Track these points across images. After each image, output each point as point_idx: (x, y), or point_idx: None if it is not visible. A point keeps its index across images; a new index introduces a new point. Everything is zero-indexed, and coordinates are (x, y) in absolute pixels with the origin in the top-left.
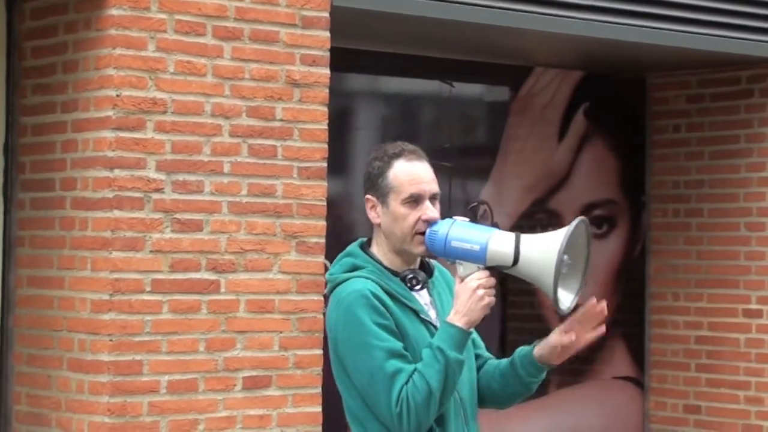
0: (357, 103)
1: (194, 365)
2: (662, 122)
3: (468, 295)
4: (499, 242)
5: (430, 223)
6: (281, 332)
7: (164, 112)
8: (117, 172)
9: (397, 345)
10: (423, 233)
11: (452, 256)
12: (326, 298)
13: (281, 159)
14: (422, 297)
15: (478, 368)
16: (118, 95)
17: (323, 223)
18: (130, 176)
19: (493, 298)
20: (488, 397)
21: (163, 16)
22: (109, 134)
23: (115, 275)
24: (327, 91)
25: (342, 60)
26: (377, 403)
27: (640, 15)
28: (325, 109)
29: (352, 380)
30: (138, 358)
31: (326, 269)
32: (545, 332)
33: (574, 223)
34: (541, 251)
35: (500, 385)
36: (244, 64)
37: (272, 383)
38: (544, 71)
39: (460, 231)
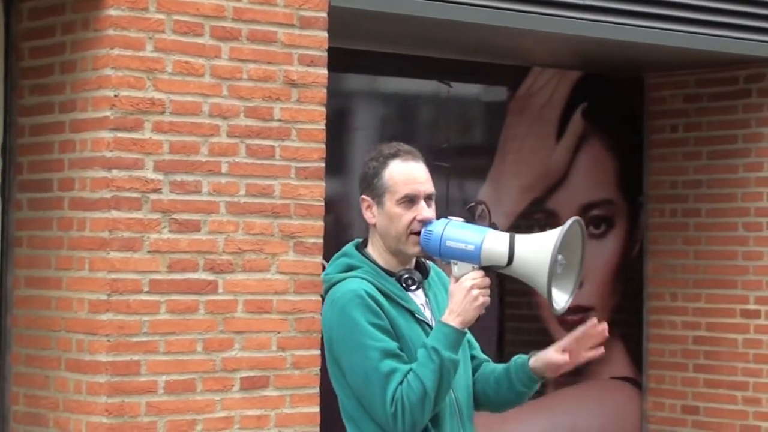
0: (355, 103)
1: (192, 365)
2: (660, 122)
3: (462, 295)
4: (494, 242)
5: (425, 223)
6: (279, 332)
7: (162, 113)
8: (115, 172)
9: (392, 345)
10: (418, 233)
11: (447, 256)
12: (323, 298)
13: (279, 159)
14: (418, 297)
15: (474, 370)
16: (116, 95)
17: (321, 223)
18: (127, 176)
19: (487, 298)
20: (483, 402)
21: (161, 16)
22: (107, 134)
23: (113, 275)
24: (325, 91)
25: (340, 60)
26: (372, 403)
27: (638, 15)
28: (323, 109)
29: (348, 380)
30: (136, 358)
31: (324, 269)
32: (543, 332)
33: (568, 222)
34: (536, 251)
35: (494, 390)
36: (242, 64)
37: (270, 383)
38: (542, 71)
39: (454, 231)
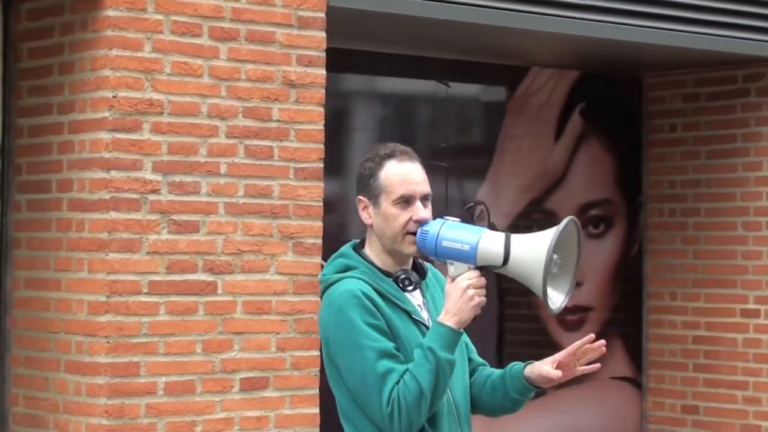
0: (353, 103)
1: (191, 367)
2: (658, 122)
3: (458, 295)
4: (490, 242)
5: (421, 223)
6: (278, 333)
7: (161, 113)
8: (113, 173)
9: (389, 345)
10: (414, 233)
11: (443, 256)
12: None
13: (278, 160)
14: (415, 298)
15: (470, 373)
16: (114, 96)
17: (320, 223)
18: (126, 177)
19: (483, 298)
20: (478, 406)
21: (159, 17)
22: (105, 135)
23: (112, 277)
24: (323, 91)
25: (338, 60)
26: (368, 403)
27: (636, 15)
28: (322, 109)
29: (344, 380)
30: (135, 359)
31: None
32: (542, 332)
33: (563, 222)
34: (531, 251)
35: (489, 396)
36: (240, 64)
37: (269, 384)
38: (541, 71)
39: (450, 231)
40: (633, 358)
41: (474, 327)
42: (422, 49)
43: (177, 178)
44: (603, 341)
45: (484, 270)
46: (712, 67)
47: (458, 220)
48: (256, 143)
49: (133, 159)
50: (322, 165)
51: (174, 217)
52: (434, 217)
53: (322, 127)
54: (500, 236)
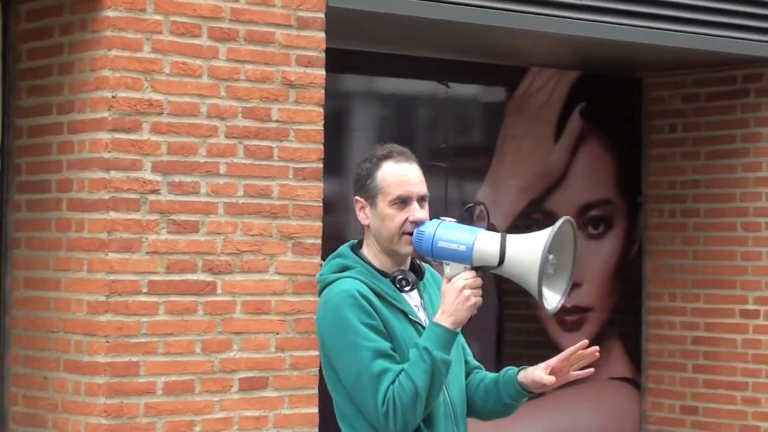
0: (353, 104)
1: (191, 366)
2: (658, 122)
3: (454, 295)
4: (485, 242)
5: (417, 224)
6: (278, 333)
7: (160, 114)
8: (113, 173)
9: (385, 345)
10: (410, 234)
11: (439, 257)
12: None
13: (277, 160)
14: (412, 298)
15: (465, 375)
16: (113, 97)
17: (319, 224)
18: (126, 177)
19: (479, 299)
20: (470, 409)
21: (158, 17)
22: (105, 136)
23: (112, 277)
24: (323, 91)
25: (338, 61)
26: (364, 402)
27: (636, 15)
28: (321, 110)
29: (340, 380)
30: (134, 359)
31: None
32: (542, 332)
33: (558, 222)
34: (526, 251)
35: (483, 400)
36: (239, 65)
37: (269, 384)
38: (540, 71)
39: (446, 231)
40: (632, 359)
41: (473, 327)
42: (422, 49)
43: (176, 178)
44: (596, 347)
45: (480, 270)
46: (711, 67)
47: (454, 220)
48: (256, 143)
49: (133, 159)
50: (321, 165)
51: (173, 217)
52: (432, 218)
53: (322, 128)
54: (496, 237)
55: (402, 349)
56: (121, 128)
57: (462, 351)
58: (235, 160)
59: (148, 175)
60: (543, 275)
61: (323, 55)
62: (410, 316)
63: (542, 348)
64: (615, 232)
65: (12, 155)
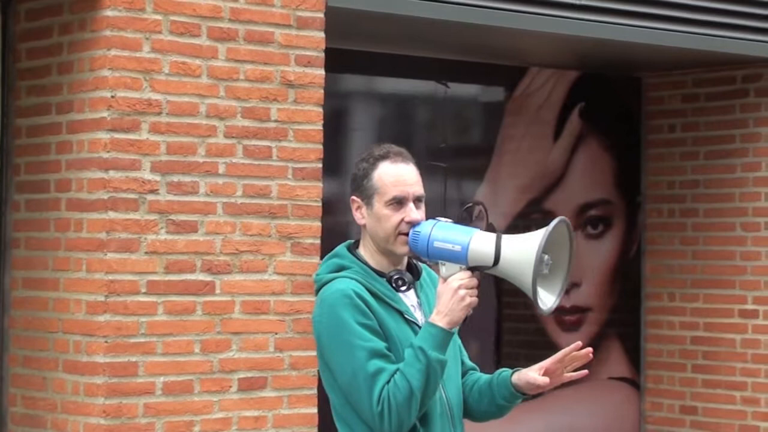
0: (352, 103)
1: (189, 367)
2: (657, 122)
3: (450, 295)
4: (481, 242)
5: (413, 224)
6: (276, 333)
7: (159, 113)
8: (112, 173)
9: (380, 345)
10: (406, 234)
11: (435, 257)
12: None
13: (276, 160)
14: (409, 298)
15: (461, 376)
16: (112, 96)
17: (318, 224)
18: (124, 177)
19: (475, 299)
20: (464, 410)
21: (157, 17)
22: (103, 135)
23: (110, 277)
24: (322, 91)
25: (337, 61)
26: (359, 402)
27: (635, 15)
28: (320, 109)
29: (336, 380)
30: (133, 359)
31: None
32: (540, 332)
33: (553, 222)
34: (521, 251)
35: (476, 402)
36: (238, 65)
37: (267, 384)
38: (539, 71)
39: (442, 232)
40: (631, 359)
41: (472, 327)
42: (421, 49)
43: (175, 178)
44: (590, 348)
45: (476, 271)
46: (711, 67)
47: (450, 221)
48: (255, 143)
49: (132, 159)
50: (320, 165)
51: (172, 217)
52: (428, 218)
53: (321, 128)
54: (491, 237)
55: (398, 349)
56: (120, 128)
57: (459, 351)
58: (234, 160)
59: (147, 175)
60: (538, 275)
61: (322, 54)
62: (406, 316)
63: (541, 348)
64: (614, 232)
65: (11, 155)
